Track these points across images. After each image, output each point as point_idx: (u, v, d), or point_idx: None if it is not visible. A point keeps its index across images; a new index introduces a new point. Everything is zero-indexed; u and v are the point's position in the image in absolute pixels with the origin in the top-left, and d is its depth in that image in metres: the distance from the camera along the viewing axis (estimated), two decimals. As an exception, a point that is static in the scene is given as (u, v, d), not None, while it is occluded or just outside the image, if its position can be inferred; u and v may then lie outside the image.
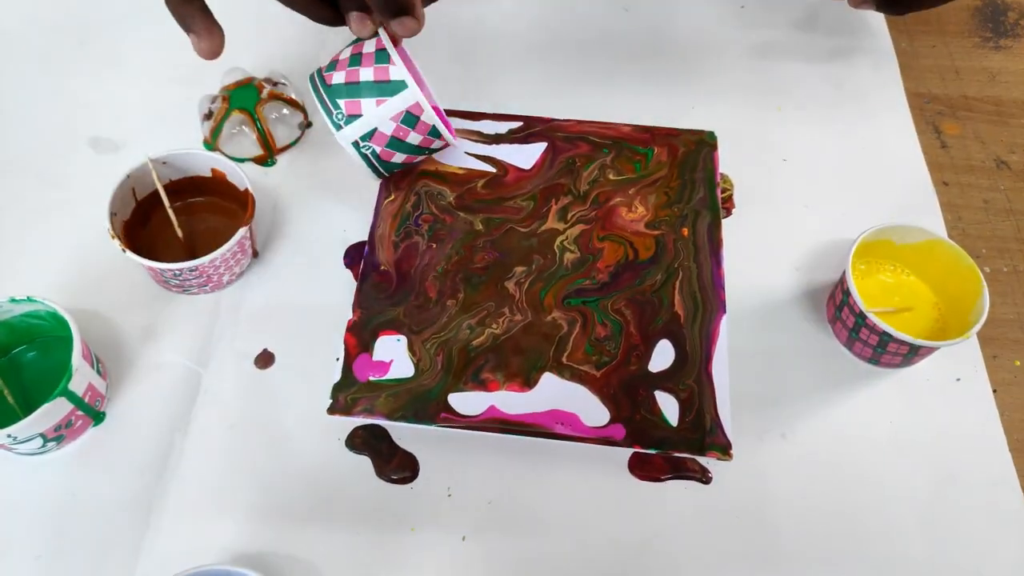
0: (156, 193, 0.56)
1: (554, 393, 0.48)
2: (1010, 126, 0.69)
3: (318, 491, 0.50)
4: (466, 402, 0.48)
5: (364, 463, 0.51)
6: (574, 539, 0.48)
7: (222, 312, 0.56)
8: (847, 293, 0.51)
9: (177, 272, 0.53)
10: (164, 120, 0.65)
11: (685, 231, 0.55)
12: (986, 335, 0.56)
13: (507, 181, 0.57)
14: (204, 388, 0.53)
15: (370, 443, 0.51)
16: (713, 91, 0.68)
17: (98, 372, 0.50)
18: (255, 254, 0.58)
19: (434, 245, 0.54)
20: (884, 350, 0.51)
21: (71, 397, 0.47)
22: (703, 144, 0.59)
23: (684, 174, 0.58)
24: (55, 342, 0.52)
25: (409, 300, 0.52)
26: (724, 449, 0.47)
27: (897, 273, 0.56)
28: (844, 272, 0.52)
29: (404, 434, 0.51)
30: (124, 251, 0.52)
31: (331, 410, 0.48)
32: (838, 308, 0.53)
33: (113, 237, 0.53)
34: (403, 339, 0.50)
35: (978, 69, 0.72)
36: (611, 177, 0.57)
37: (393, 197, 0.56)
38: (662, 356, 0.50)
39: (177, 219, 0.56)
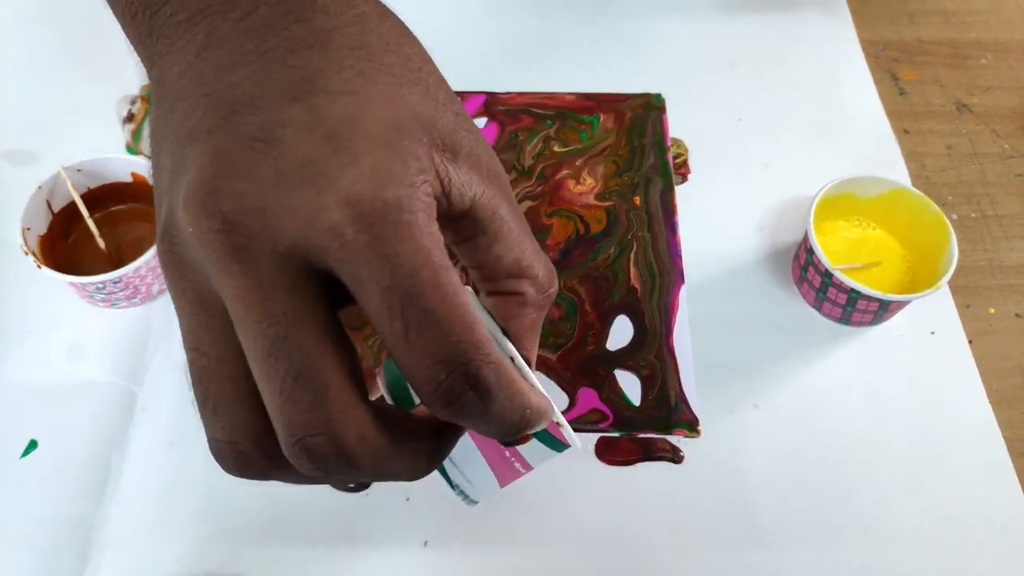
0: (75, 205, 0.53)
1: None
2: (968, 68, 0.66)
3: (267, 504, 0.47)
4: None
5: (315, 472, 0.48)
6: (543, 534, 0.46)
7: (154, 324, 0.53)
8: (811, 252, 0.49)
9: (100, 285, 0.50)
10: (83, 126, 0.61)
11: (637, 200, 0.52)
12: (958, 284, 0.54)
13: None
14: (140, 406, 0.50)
15: (320, 450, 0.48)
16: (659, 53, 0.65)
17: None
18: (186, 260, 0.55)
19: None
20: (854, 308, 0.49)
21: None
22: (651, 108, 0.57)
23: (633, 140, 0.55)
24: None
25: (347, 295, 0.49)
26: (691, 426, 0.45)
27: (863, 227, 0.54)
28: (806, 230, 0.49)
29: (355, 438, 0.48)
30: (39, 267, 0.49)
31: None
32: (803, 268, 0.51)
33: (27, 253, 0.49)
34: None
35: (932, 11, 0.70)
36: (556, 149, 0.55)
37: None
38: (620, 333, 0.47)
39: (99, 230, 0.53)
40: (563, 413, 0.45)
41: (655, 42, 0.66)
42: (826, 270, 0.48)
